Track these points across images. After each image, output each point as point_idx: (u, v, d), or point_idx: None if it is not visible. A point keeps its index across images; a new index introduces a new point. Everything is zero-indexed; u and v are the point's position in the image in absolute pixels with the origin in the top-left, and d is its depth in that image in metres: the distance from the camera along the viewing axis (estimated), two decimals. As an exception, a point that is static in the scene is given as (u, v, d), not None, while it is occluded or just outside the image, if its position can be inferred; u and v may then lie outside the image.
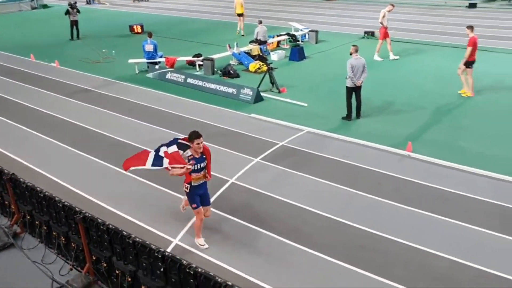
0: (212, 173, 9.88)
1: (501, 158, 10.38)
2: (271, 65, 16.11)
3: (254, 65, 17.78)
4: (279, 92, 15.22)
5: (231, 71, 17.22)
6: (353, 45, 12.68)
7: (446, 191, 9.08)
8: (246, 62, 18.27)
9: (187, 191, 7.38)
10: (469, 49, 13.94)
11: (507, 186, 9.27)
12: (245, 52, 19.04)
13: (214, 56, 18.25)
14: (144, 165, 7.11)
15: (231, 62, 18.62)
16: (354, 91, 12.58)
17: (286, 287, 6.67)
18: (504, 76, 16.27)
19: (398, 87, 15.43)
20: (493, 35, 22.51)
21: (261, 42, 20.12)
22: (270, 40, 21.09)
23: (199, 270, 5.41)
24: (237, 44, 19.14)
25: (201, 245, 7.59)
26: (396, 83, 15.88)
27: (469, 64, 14.15)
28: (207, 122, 12.86)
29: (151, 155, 7.07)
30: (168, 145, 7.05)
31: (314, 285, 6.72)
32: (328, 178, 9.68)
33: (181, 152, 7.07)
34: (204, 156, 7.27)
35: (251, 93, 14.58)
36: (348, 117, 12.81)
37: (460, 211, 8.39)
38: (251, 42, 20.36)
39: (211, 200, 8.11)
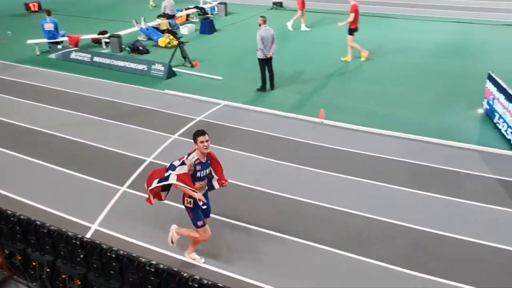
0: (128, 153, 9.70)
1: (404, 118, 11.06)
2: (181, 39, 15.77)
3: (163, 40, 17.30)
4: (192, 66, 14.98)
5: (140, 47, 16.64)
6: (261, 16, 12.70)
7: (358, 153, 9.54)
8: (155, 37, 17.73)
9: (190, 206, 6.21)
10: (352, 15, 14.53)
11: (412, 144, 9.91)
12: (153, 27, 18.45)
13: (121, 33, 17.52)
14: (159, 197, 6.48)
15: (140, 38, 17.96)
16: (266, 62, 12.68)
17: (212, 259, 6.72)
18: (400, 41, 17.23)
19: (309, 57, 15.80)
20: (395, 2, 23.67)
21: (169, 16, 19.58)
22: (178, 14, 20.60)
23: (121, 252, 5.27)
24: (144, 19, 18.47)
25: (194, 259, 6.68)
26: (306, 53, 16.24)
27: (351, 31, 14.75)
28: (119, 101, 12.40)
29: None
30: (173, 168, 6.07)
31: (240, 254, 6.81)
32: (247, 150, 9.77)
33: (185, 156, 6.16)
34: (208, 162, 6.32)
35: (163, 68, 14.22)
36: (262, 88, 12.93)
37: (372, 171, 8.86)
38: (159, 16, 19.73)
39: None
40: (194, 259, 6.67)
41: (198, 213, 6.25)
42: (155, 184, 6.18)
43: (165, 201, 7.93)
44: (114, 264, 5.38)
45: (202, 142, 6.06)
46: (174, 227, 6.74)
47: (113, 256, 5.31)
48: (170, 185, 6.26)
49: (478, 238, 6.98)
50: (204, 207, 6.32)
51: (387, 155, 9.44)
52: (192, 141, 6.21)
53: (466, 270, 6.40)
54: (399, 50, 16.26)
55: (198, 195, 6.01)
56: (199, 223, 6.26)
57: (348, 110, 11.59)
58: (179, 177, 5.94)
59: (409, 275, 6.35)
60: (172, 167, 6.08)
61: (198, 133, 6.13)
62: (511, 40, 17.00)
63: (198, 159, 6.12)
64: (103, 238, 6.95)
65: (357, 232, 7.24)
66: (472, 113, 11.27)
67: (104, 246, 5.42)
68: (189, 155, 6.16)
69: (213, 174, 6.57)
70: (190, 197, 6.13)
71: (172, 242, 6.70)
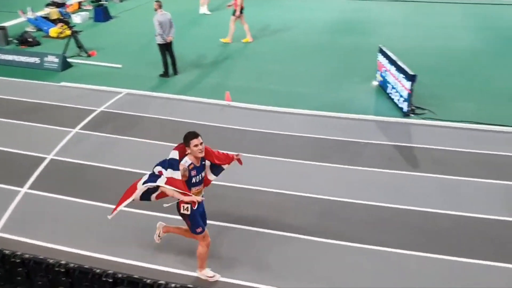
0: (26, 152, 9.12)
1: (306, 95, 11.48)
2: (74, 28, 14.97)
3: (55, 30, 16.29)
4: (89, 55, 14.30)
5: (30, 39, 15.53)
6: (156, 1, 12.35)
7: (265, 132, 9.75)
8: (45, 28, 16.62)
9: (187, 213, 5.58)
10: None
11: (314, 119, 10.32)
12: (42, 17, 17.28)
13: (5, 24, 16.26)
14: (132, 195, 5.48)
15: (28, 29, 16.72)
16: (166, 47, 12.44)
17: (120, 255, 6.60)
18: (296, 20, 17.68)
19: (210, 40, 15.69)
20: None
21: (59, 5, 18.47)
22: (69, 2, 19.48)
23: (27, 256, 4.99)
24: (31, 9, 17.24)
25: (210, 276, 6.07)
26: (208, 36, 16.13)
27: (235, 12, 14.79)
28: (12, 98, 11.53)
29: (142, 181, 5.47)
30: (166, 167, 5.42)
31: (145, 244, 6.74)
32: (155, 138, 9.58)
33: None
34: (203, 163, 5.68)
35: (57, 60, 13.42)
36: (165, 74, 12.71)
37: (279, 148, 9.12)
38: (47, 5, 18.51)
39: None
40: (209, 276, 6.07)
41: (196, 219, 5.66)
42: (140, 187, 5.42)
43: (76, 199, 7.65)
44: (20, 269, 5.09)
45: (196, 145, 5.39)
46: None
47: (18, 261, 5.02)
48: (152, 193, 5.58)
49: (378, 201, 7.50)
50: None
51: (292, 132, 9.75)
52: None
53: (370, 231, 6.86)
54: (295, 29, 16.72)
55: (191, 198, 5.32)
56: (199, 229, 5.70)
57: (253, 91, 11.76)
58: (169, 181, 5.30)
59: (320, 242, 6.68)
60: (154, 177, 5.43)
61: (190, 136, 5.43)
62: (399, 16, 18.18)
63: (192, 163, 5.49)
64: (6, 244, 6.51)
65: (268, 207, 7.45)
66: (367, 85, 11.96)
67: (7, 252, 5.10)
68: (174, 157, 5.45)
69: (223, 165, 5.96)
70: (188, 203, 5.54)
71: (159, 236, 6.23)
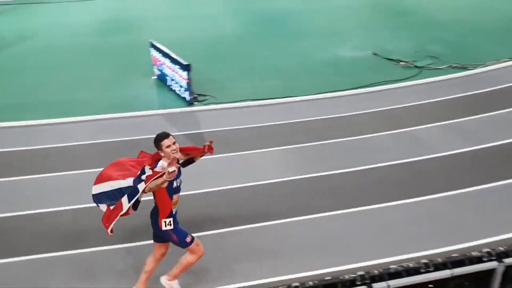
0: None
1: (86, 101, 10.96)
2: None
3: None
4: None
5: None
6: None
7: (46, 149, 8.92)
8: None
9: (171, 227, 4.98)
10: None
11: (100, 124, 9.91)
12: None
13: None
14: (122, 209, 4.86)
15: None
16: None
17: None
18: (62, 26, 16.78)
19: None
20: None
21: None
22: None
23: None
24: None
25: None
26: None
27: None
28: None
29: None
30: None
31: None
32: None
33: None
34: (178, 164, 4.93)
35: None
36: None
37: (65, 164, 8.43)
38: None
39: None
40: None
41: (181, 230, 5.09)
42: (126, 206, 4.85)
43: None
44: None
45: (168, 146, 4.77)
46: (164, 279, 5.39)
47: None
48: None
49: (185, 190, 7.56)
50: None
51: (76, 142, 9.12)
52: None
53: (203, 219, 6.89)
54: (64, 34, 15.75)
55: (170, 169, 4.53)
56: (188, 239, 5.06)
57: (25, 107, 10.68)
58: (147, 179, 4.72)
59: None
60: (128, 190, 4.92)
61: (161, 137, 4.81)
62: (164, 9, 18.59)
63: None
64: None
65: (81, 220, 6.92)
66: (147, 81, 11.97)
67: None
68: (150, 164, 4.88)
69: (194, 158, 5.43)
70: (169, 216, 4.95)
71: None
